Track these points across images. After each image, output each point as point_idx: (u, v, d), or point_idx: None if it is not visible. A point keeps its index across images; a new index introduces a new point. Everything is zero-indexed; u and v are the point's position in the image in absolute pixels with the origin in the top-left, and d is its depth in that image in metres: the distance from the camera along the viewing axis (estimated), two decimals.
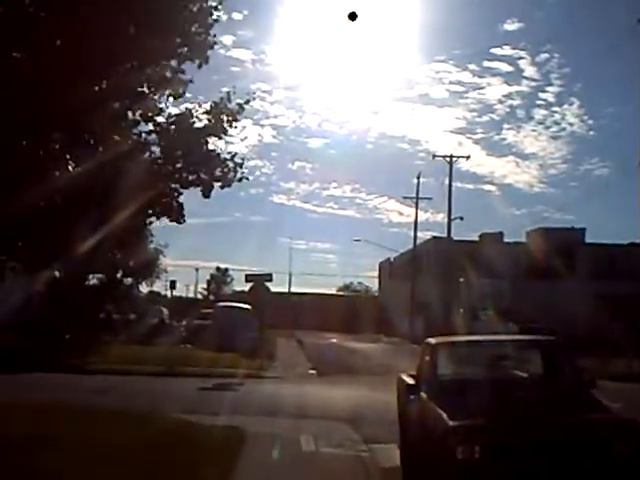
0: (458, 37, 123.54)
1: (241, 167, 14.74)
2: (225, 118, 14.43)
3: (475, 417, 9.06)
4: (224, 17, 13.99)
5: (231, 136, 15.03)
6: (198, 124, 14.43)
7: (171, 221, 15.16)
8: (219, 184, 14.75)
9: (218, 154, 14.59)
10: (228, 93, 14.53)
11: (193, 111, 14.49)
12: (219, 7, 13.52)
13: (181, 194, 14.81)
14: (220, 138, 14.62)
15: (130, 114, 13.98)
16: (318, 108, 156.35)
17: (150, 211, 14.87)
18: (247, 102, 14.81)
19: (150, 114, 14.13)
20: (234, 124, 14.67)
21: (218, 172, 14.61)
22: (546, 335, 13.03)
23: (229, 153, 14.73)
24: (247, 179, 14.99)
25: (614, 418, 9.39)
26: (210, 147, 14.61)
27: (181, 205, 14.82)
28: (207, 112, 14.41)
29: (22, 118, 11.88)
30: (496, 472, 8.67)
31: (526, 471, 8.68)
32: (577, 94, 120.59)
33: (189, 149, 14.25)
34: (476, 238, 66.34)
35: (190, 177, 14.47)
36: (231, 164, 14.64)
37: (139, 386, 22.49)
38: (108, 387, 21.17)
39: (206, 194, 14.70)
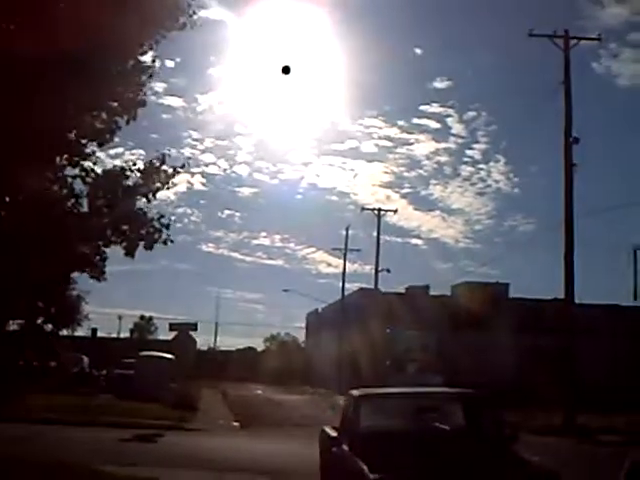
0: (389, 93, 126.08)
1: (167, 228, 14.64)
2: (158, 181, 14.37)
3: (396, 470, 9.01)
4: (157, 64, 13.94)
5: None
6: (128, 181, 14.32)
7: (91, 277, 14.98)
8: (143, 243, 14.59)
9: (145, 213, 14.48)
10: (163, 155, 14.48)
11: (126, 168, 14.38)
12: (152, 65, 13.54)
13: (105, 251, 14.62)
14: (149, 201, 14.52)
15: (58, 159, 13.80)
16: (249, 158, 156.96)
17: (71, 264, 14.66)
18: (183, 167, 14.81)
19: (77, 159, 13.98)
20: (166, 187, 14.62)
21: (143, 231, 14.48)
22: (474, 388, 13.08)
23: (157, 214, 14.62)
24: (172, 242, 14.85)
25: (534, 471, 9.44)
26: (138, 205, 14.51)
27: (103, 262, 14.66)
28: (140, 171, 14.33)
29: None
30: None
31: None
32: (503, 152, 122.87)
33: (117, 206, 14.12)
34: (403, 290, 66.88)
35: (115, 234, 14.31)
36: (157, 225, 14.50)
37: (58, 436, 21.91)
38: (26, 436, 20.56)
39: (130, 252, 14.52)
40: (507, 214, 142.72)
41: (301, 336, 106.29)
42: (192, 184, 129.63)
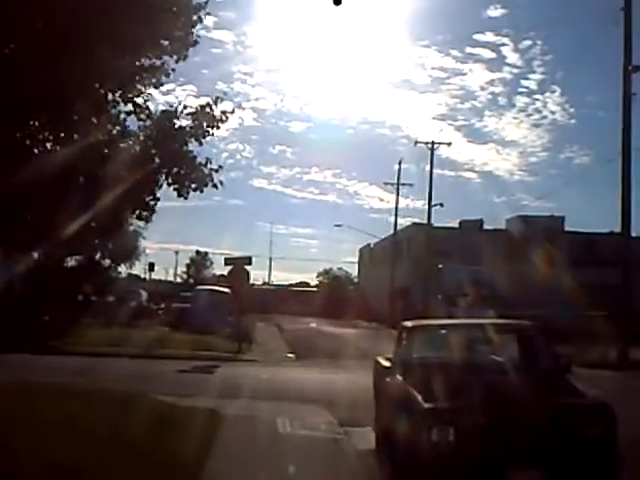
0: (441, 22, 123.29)
1: (217, 172, 14.66)
2: (206, 124, 14.36)
3: (450, 400, 9.14)
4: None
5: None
6: (179, 122, 14.35)
7: (138, 219, 15.16)
8: (194, 186, 14.66)
9: (195, 157, 14.51)
10: (216, 98, 14.41)
11: (177, 110, 14.40)
12: (204, 6, 13.43)
13: (156, 193, 14.71)
14: (201, 144, 14.54)
15: (110, 96, 13.87)
16: (299, 91, 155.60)
17: (125, 204, 14.80)
18: (233, 112, 14.75)
19: (130, 95, 14.04)
20: (214, 130, 14.60)
21: (193, 175, 14.55)
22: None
23: (205, 158, 14.62)
24: (222, 184, 14.87)
25: (589, 402, 9.49)
26: (190, 147, 14.53)
27: (155, 203, 14.77)
28: (191, 114, 14.34)
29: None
30: (470, 454, 8.75)
31: (500, 453, 8.76)
32: (559, 82, 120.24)
33: (168, 147, 14.17)
34: (456, 225, 66.59)
35: (167, 176, 14.40)
36: (206, 170, 14.53)
37: (118, 368, 22.44)
38: (87, 368, 21.11)
39: (182, 194, 14.61)
40: (563, 146, 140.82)
41: (353, 271, 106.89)
42: (243, 119, 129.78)
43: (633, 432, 10.29)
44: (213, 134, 14.59)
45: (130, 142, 14.39)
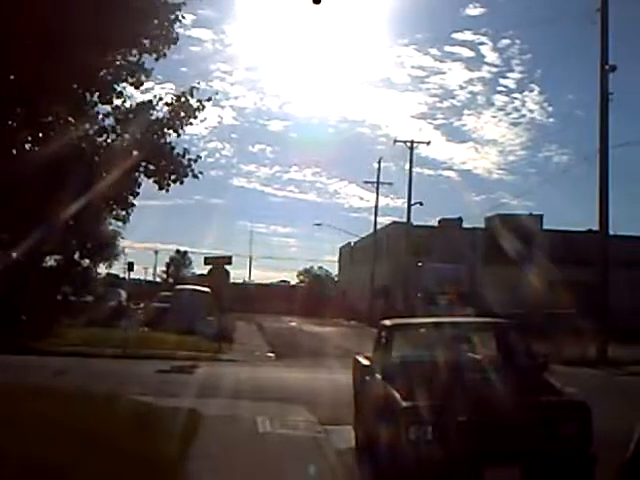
0: (420, 21, 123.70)
1: (195, 162, 14.67)
2: (183, 114, 14.36)
3: (428, 398, 9.17)
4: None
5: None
6: (157, 114, 14.34)
7: (115, 219, 15.15)
8: (173, 177, 14.67)
9: (173, 148, 14.50)
10: (192, 88, 14.41)
11: (154, 101, 14.40)
12: (182, 6, 13.46)
13: (135, 188, 14.66)
14: (179, 135, 14.55)
15: (88, 96, 13.85)
16: (279, 90, 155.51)
17: (103, 201, 14.78)
18: (209, 99, 14.77)
19: (108, 97, 14.01)
20: (192, 120, 14.61)
21: (172, 166, 14.55)
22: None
23: (183, 149, 14.63)
24: (201, 173, 14.88)
25: (565, 400, 9.56)
26: (168, 140, 14.52)
27: (134, 197, 14.76)
28: (168, 104, 14.33)
29: None
30: (448, 452, 8.79)
31: (477, 451, 8.81)
32: (538, 81, 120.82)
33: (146, 140, 14.16)
34: (435, 223, 66.77)
35: (146, 169, 14.38)
36: (185, 161, 14.52)
37: (97, 368, 22.38)
38: (65, 368, 21.03)
39: (162, 187, 14.59)
40: (541, 145, 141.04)
41: (334, 270, 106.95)
42: (222, 118, 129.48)
43: (609, 430, 10.35)
44: (191, 123, 14.62)
45: (109, 140, 14.39)
